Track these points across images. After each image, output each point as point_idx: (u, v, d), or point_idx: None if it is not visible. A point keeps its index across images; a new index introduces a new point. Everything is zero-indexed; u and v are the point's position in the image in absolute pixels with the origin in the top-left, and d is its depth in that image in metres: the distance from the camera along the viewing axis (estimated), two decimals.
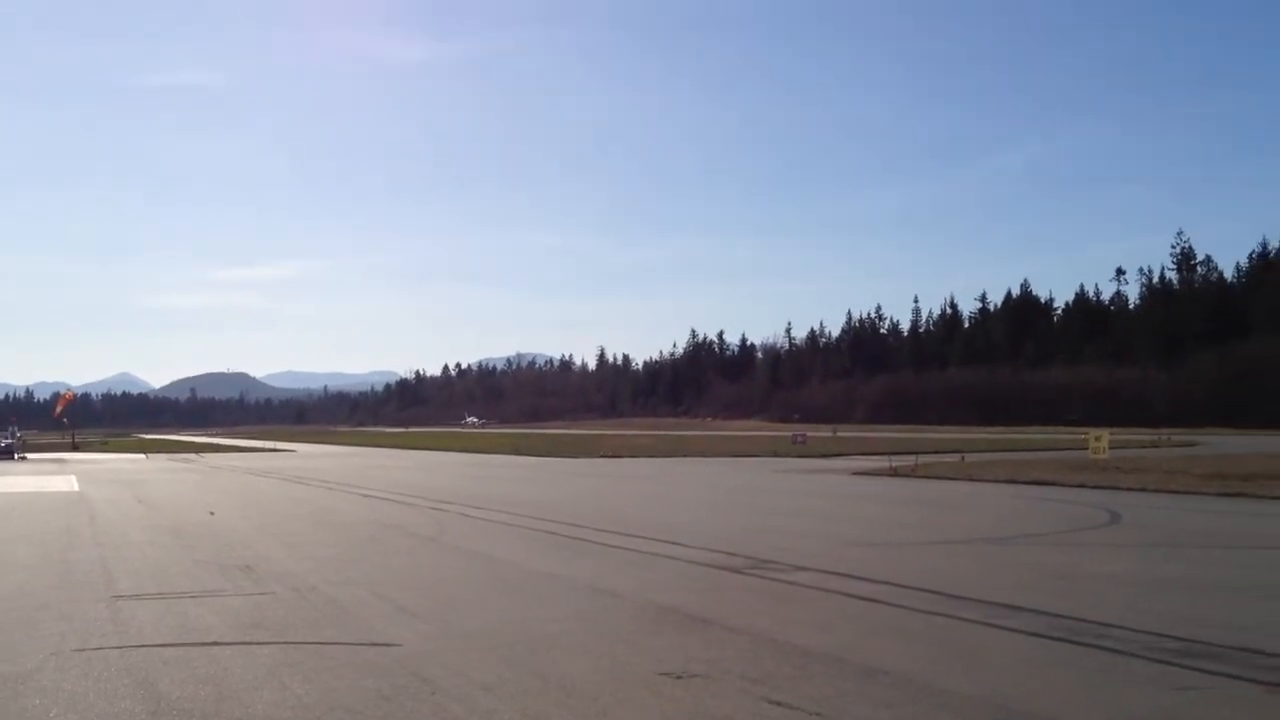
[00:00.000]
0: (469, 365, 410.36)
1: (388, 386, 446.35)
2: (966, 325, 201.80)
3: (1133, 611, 11.61)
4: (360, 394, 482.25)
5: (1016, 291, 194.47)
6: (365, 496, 32.16)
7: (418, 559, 17.17)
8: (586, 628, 11.06)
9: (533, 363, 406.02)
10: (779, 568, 15.32)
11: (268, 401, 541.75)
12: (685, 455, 64.84)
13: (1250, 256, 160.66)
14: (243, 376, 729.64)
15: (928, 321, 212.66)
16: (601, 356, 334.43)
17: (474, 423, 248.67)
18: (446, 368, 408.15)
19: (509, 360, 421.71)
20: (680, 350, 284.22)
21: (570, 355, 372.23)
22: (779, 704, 7.94)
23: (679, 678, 8.80)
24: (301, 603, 12.73)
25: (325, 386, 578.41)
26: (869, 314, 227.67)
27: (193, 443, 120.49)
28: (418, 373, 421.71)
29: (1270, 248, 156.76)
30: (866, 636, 10.54)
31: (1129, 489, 31.33)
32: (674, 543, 18.57)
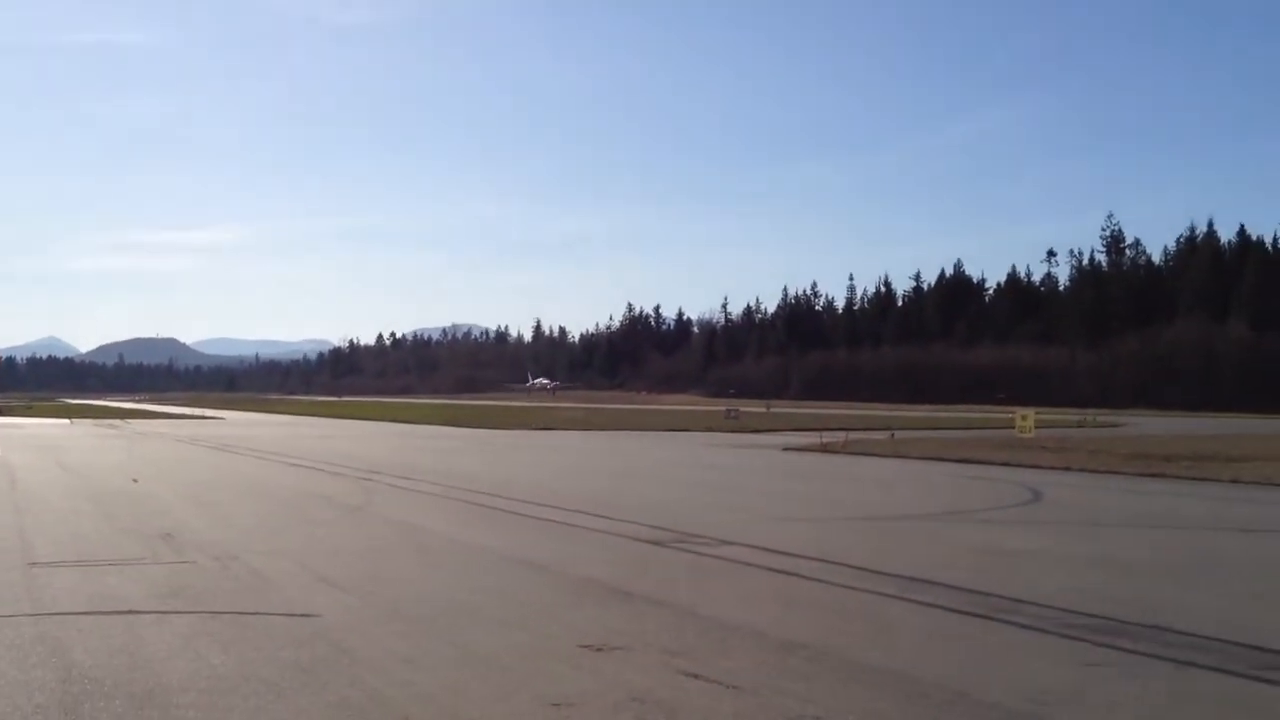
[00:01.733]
0: (404, 335, 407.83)
1: (321, 355, 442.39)
2: (900, 304, 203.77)
3: (1048, 588, 11.81)
4: (292, 362, 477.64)
5: (950, 271, 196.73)
6: (293, 465, 31.87)
7: (343, 529, 17.06)
8: (510, 600, 11.05)
9: (468, 333, 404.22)
10: (705, 541, 15.40)
11: (198, 368, 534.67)
12: (619, 428, 64.94)
13: (1178, 241, 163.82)
14: (172, 342, 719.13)
15: (862, 299, 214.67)
16: (538, 328, 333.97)
17: (543, 385, 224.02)
18: (380, 337, 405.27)
19: (444, 330, 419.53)
20: (617, 323, 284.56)
21: (506, 326, 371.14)
22: (696, 676, 7.99)
23: (599, 650, 8.82)
24: (222, 572, 12.60)
25: (257, 354, 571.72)
26: (805, 291, 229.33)
27: (119, 408, 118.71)
28: (351, 342, 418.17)
29: (1198, 232, 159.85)
30: (788, 611, 10.64)
31: (1053, 468, 31.84)
32: (602, 515, 18.61)
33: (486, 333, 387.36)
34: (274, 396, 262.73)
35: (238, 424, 74.18)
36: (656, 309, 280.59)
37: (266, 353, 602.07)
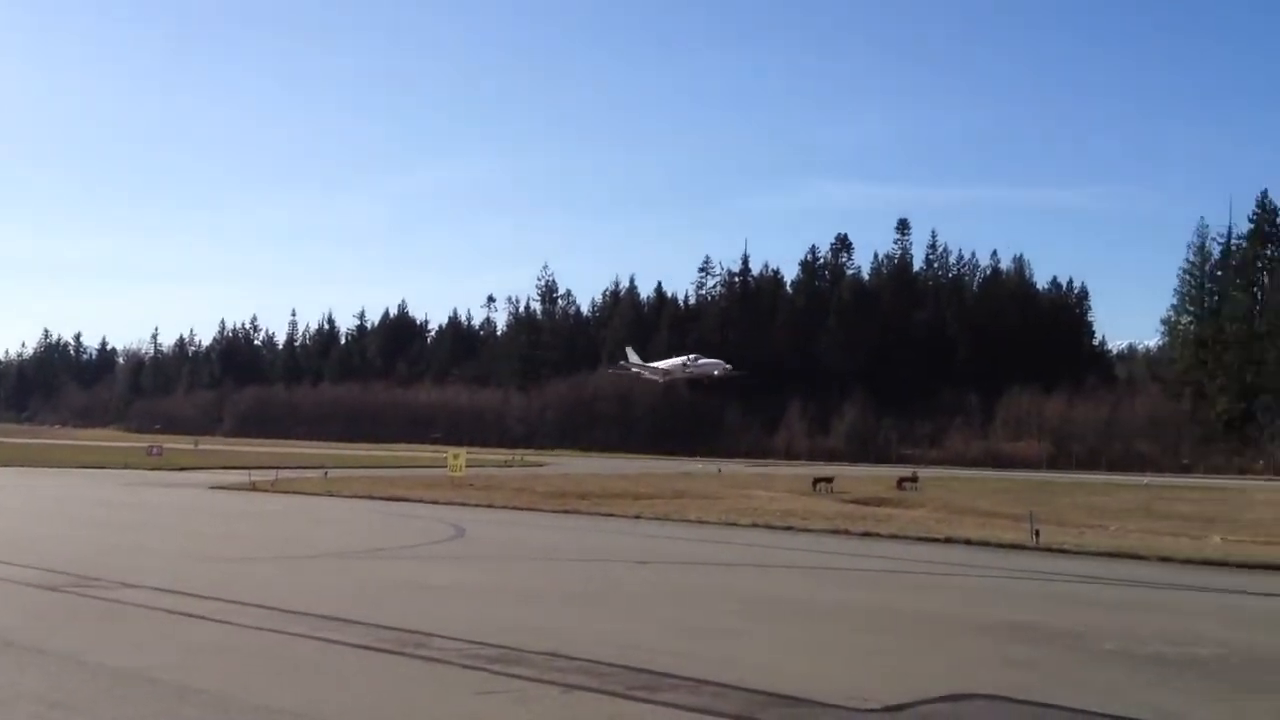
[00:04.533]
0: None
1: None
2: (343, 341, 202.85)
3: (459, 621, 12.19)
4: None
5: (394, 311, 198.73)
6: None
7: None
8: None
9: None
10: (106, 585, 14.38)
11: None
12: (25, 465, 59.03)
13: (604, 294, 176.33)
14: None
15: (304, 335, 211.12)
16: None
17: (686, 368, 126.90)
18: None
19: None
20: (30, 351, 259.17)
21: None
22: None
23: None
24: None
25: None
26: (244, 324, 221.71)
27: None
28: None
29: (621, 287, 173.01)
30: (190, 655, 10.17)
31: (479, 505, 33.03)
32: None
33: None
34: None
35: None
36: (77, 337, 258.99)
37: None
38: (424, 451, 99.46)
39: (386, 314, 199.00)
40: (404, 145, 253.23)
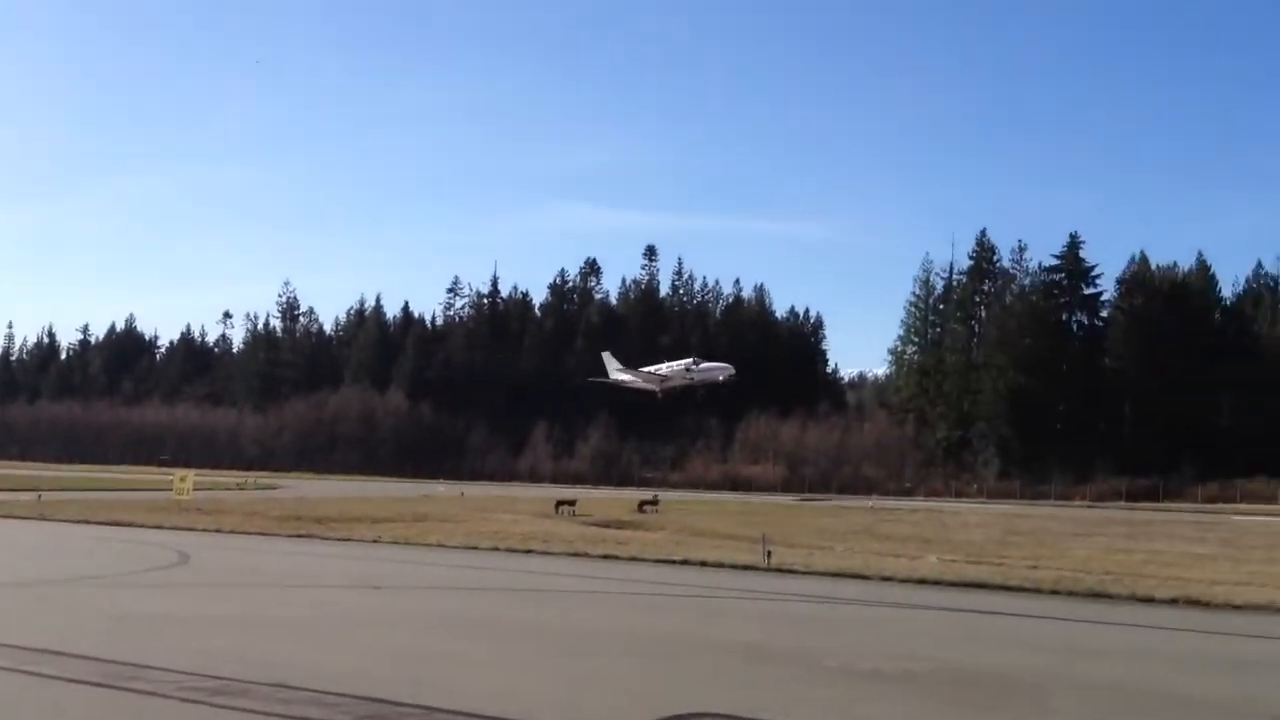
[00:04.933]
0: None
1: None
2: (64, 356, 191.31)
3: (178, 652, 11.62)
4: None
5: (121, 326, 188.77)
6: None
7: None
8: None
9: None
10: None
11: None
12: None
13: (348, 312, 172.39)
14: None
15: (21, 350, 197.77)
16: None
17: (688, 373, 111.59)
18: None
19: None
20: None
21: None
22: None
23: None
24: None
25: None
26: None
27: None
28: None
29: (367, 306, 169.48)
30: None
31: (206, 530, 31.63)
32: None
33: None
34: None
35: None
36: None
37: None
38: (149, 474, 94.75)
39: (113, 329, 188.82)
40: (132, 149, 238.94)
